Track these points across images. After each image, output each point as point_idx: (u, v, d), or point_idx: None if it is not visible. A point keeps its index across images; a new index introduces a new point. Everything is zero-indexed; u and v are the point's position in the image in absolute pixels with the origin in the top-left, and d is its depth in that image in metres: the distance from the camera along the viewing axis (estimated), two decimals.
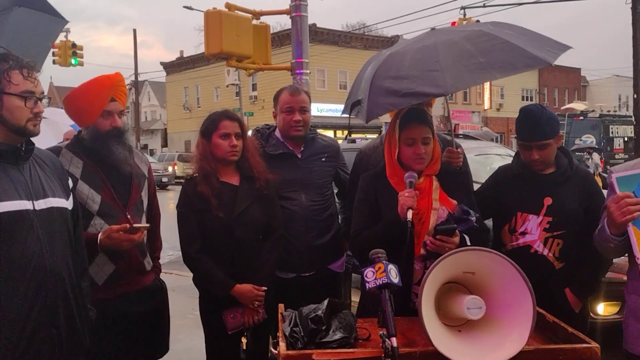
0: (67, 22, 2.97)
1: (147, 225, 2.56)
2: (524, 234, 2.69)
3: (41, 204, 1.97)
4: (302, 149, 3.20)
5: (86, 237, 2.32)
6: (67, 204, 2.11)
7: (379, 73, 2.58)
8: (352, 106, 2.75)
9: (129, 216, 2.52)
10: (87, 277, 2.24)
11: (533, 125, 2.66)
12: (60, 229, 2.03)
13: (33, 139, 2.05)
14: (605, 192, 2.69)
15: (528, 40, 2.55)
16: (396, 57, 2.65)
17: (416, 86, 2.41)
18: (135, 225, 2.44)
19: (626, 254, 2.29)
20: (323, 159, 3.24)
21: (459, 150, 3.00)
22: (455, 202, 2.45)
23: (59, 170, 2.17)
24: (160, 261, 2.92)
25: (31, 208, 1.93)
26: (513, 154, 3.07)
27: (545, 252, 2.65)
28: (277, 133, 3.22)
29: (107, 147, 2.51)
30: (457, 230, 2.29)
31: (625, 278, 2.35)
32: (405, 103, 2.46)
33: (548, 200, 2.67)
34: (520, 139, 2.74)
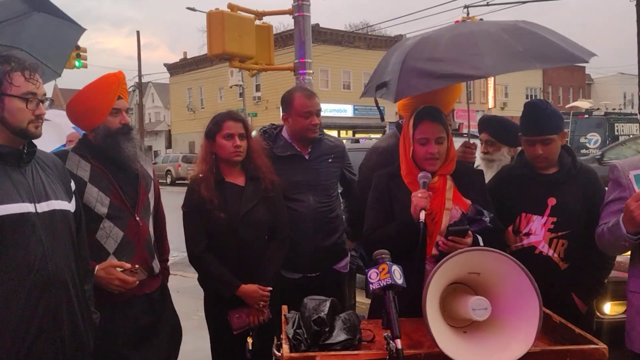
0: (84, 29, 2.96)
1: (145, 275, 2.50)
2: (528, 234, 2.66)
3: (43, 207, 1.97)
4: (309, 150, 3.19)
5: None
6: (70, 206, 2.10)
7: (411, 55, 2.52)
8: (377, 88, 2.65)
9: (137, 218, 2.52)
10: (91, 280, 2.23)
11: (537, 120, 2.64)
12: (63, 231, 2.03)
13: (36, 141, 2.05)
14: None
15: (560, 40, 2.54)
16: (429, 40, 2.60)
17: (454, 68, 2.36)
18: (136, 266, 2.40)
19: (629, 252, 2.27)
20: (330, 160, 3.23)
21: (474, 144, 2.99)
22: (469, 201, 2.42)
23: (62, 173, 2.17)
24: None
25: (33, 211, 1.93)
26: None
27: (550, 253, 2.63)
28: (285, 134, 3.21)
29: (118, 145, 2.50)
30: (469, 231, 2.26)
31: None
32: (439, 84, 2.41)
33: (552, 201, 2.64)
34: (524, 133, 2.72)
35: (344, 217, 3.48)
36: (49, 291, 1.92)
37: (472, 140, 3.15)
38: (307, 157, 3.17)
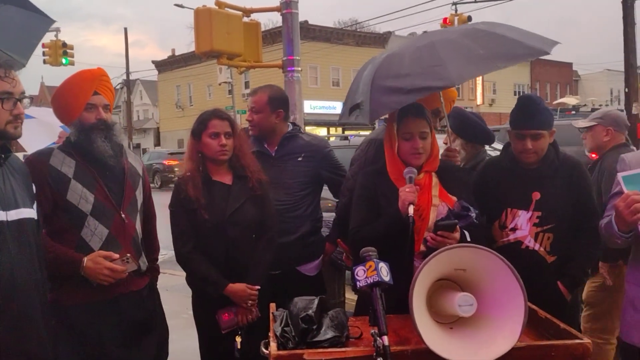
0: (53, 21, 2.96)
1: (136, 265, 2.49)
2: (514, 229, 2.68)
3: (13, 215, 1.91)
4: (276, 148, 3.23)
5: (71, 257, 2.28)
6: (33, 213, 2.04)
7: (379, 74, 2.55)
8: (350, 110, 2.70)
9: (123, 215, 2.50)
10: (48, 288, 2.14)
11: (531, 113, 2.64)
12: (29, 240, 1.97)
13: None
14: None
15: (521, 35, 2.58)
16: (394, 58, 2.62)
17: (421, 81, 2.39)
18: (127, 255, 2.39)
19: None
20: (299, 159, 3.22)
21: (457, 148, 3.01)
22: (454, 198, 2.44)
23: (25, 177, 2.10)
24: None
25: (4, 219, 1.88)
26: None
27: (537, 247, 2.65)
28: None
29: (90, 140, 2.48)
30: (457, 226, 2.28)
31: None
32: (410, 99, 2.43)
33: (536, 195, 2.66)
34: (515, 127, 2.70)
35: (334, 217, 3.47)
36: (14, 303, 1.86)
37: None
38: (273, 154, 3.21)
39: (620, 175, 2.18)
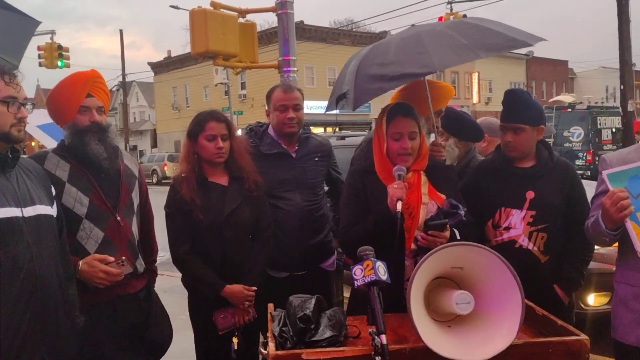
0: (39, 22, 2.96)
1: (132, 268, 2.49)
2: (508, 229, 2.69)
3: (29, 211, 1.97)
4: (296, 148, 3.19)
5: None
6: (52, 211, 2.10)
7: (364, 63, 2.59)
8: (337, 100, 2.73)
9: (118, 218, 2.49)
10: (74, 284, 2.21)
11: (511, 107, 2.73)
12: (48, 236, 2.03)
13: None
14: (588, 182, 2.71)
15: (506, 29, 2.64)
16: (380, 47, 2.68)
17: (403, 69, 2.43)
18: (122, 258, 2.38)
19: (615, 244, 2.31)
20: (316, 159, 3.23)
21: (442, 143, 3.02)
22: (444, 196, 2.45)
23: (42, 178, 2.16)
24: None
25: (20, 215, 1.93)
26: None
27: (530, 247, 2.66)
28: (271, 131, 3.20)
29: (84, 143, 2.47)
30: (447, 225, 2.28)
31: (614, 268, 2.36)
32: (393, 86, 2.47)
33: (530, 194, 2.67)
34: (500, 120, 2.80)
35: (331, 215, 3.48)
36: (37, 295, 1.92)
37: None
38: (293, 155, 3.17)
39: (605, 173, 2.20)
